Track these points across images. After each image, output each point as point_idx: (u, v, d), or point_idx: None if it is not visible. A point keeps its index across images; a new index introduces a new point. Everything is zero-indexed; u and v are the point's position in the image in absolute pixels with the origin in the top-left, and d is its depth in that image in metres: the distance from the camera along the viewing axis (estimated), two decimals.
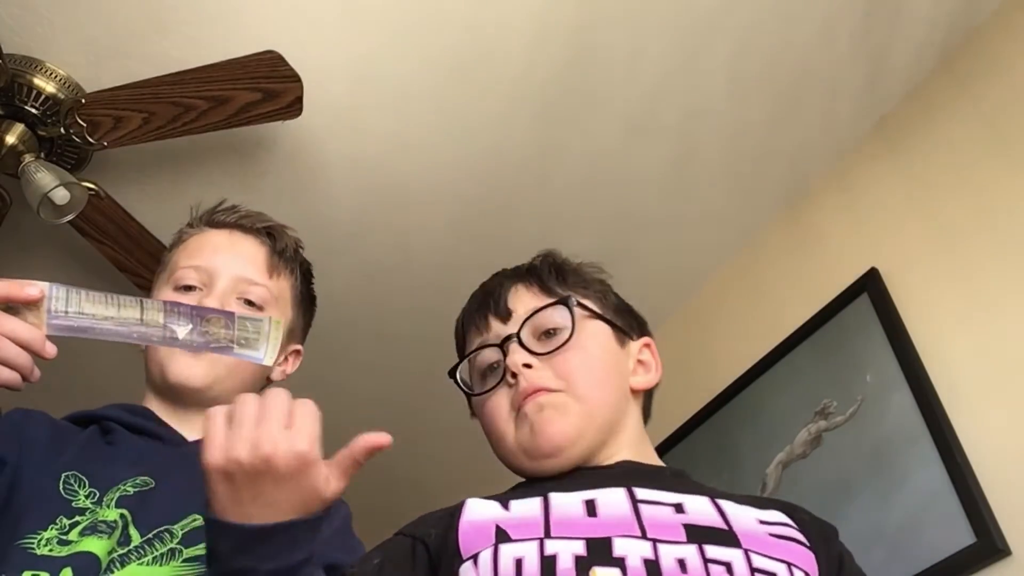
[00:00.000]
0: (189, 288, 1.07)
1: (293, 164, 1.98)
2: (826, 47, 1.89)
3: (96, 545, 0.89)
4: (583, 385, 0.94)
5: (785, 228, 2.21)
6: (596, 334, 0.99)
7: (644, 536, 0.78)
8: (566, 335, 0.95)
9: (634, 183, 2.12)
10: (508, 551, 0.78)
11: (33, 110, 1.74)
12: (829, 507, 1.74)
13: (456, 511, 0.86)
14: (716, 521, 0.82)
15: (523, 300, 1.01)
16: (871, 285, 1.87)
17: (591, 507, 0.82)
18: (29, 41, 1.70)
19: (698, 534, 0.79)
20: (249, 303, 1.07)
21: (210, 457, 0.71)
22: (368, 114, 1.89)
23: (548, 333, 0.97)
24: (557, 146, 2.01)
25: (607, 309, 1.03)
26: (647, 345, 1.04)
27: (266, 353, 0.83)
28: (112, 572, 0.88)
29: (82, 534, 0.91)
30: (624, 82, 1.89)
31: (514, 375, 0.94)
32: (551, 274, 1.04)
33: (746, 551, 0.78)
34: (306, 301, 1.20)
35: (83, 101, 1.70)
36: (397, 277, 2.28)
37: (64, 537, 0.90)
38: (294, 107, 1.74)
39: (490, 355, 0.99)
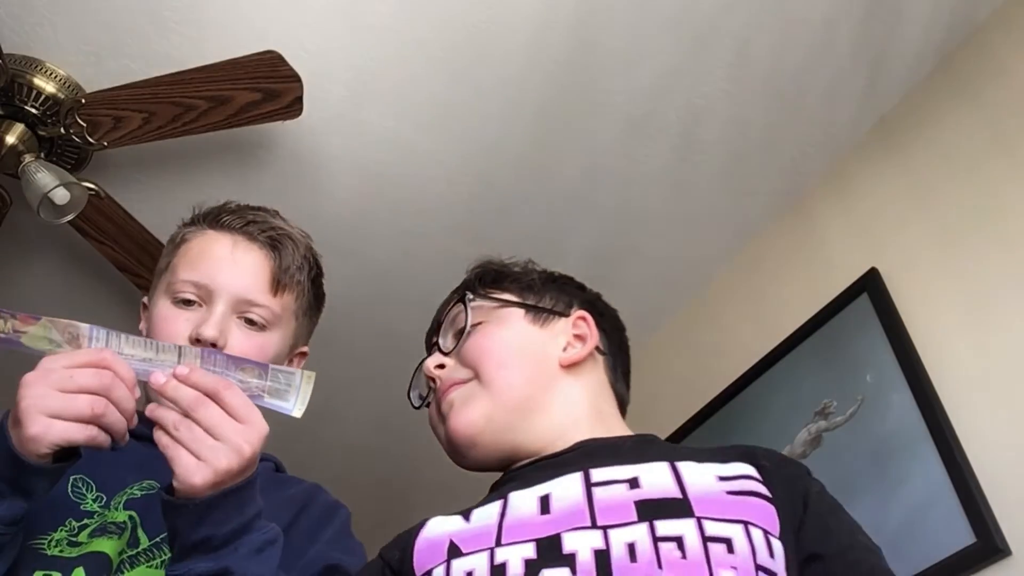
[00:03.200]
0: (188, 302, 1.03)
1: (293, 164, 1.98)
2: (826, 47, 1.89)
3: (107, 545, 0.90)
4: (486, 368, 0.97)
5: (785, 228, 2.21)
6: (504, 319, 1.01)
7: (594, 525, 0.78)
8: (464, 329, 1.00)
9: (634, 183, 2.12)
10: (459, 565, 0.79)
11: (33, 110, 1.74)
12: None
13: (415, 530, 0.88)
14: (670, 491, 0.81)
15: (445, 310, 1.07)
16: (871, 285, 1.87)
17: (545, 503, 0.83)
18: (29, 41, 1.70)
19: (650, 510, 0.79)
20: (250, 322, 1.04)
21: (200, 478, 0.74)
22: (368, 114, 1.89)
23: (459, 332, 1.01)
24: (557, 146, 2.01)
25: (527, 295, 1.04)
26: (581, 318, 1.04)
27: (295, 405, 0.84)
28: (123, 573, 0.89)
29: (92, 535, 0.91)
30: (624, 82, 1.89)
31: (432, 380, 1.01)
32: (475, 281, 1.08)
33: (699, 519, 0.77)
34: (314, 307, 1.17)
35: (83, 101, 1.70)
36: (397, 277, 2.28)
37: (74, 539, 0.91)
38: (294, 107, 1.74)
39: (422, 371, 1.05)
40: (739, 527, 0.77)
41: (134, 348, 0.80)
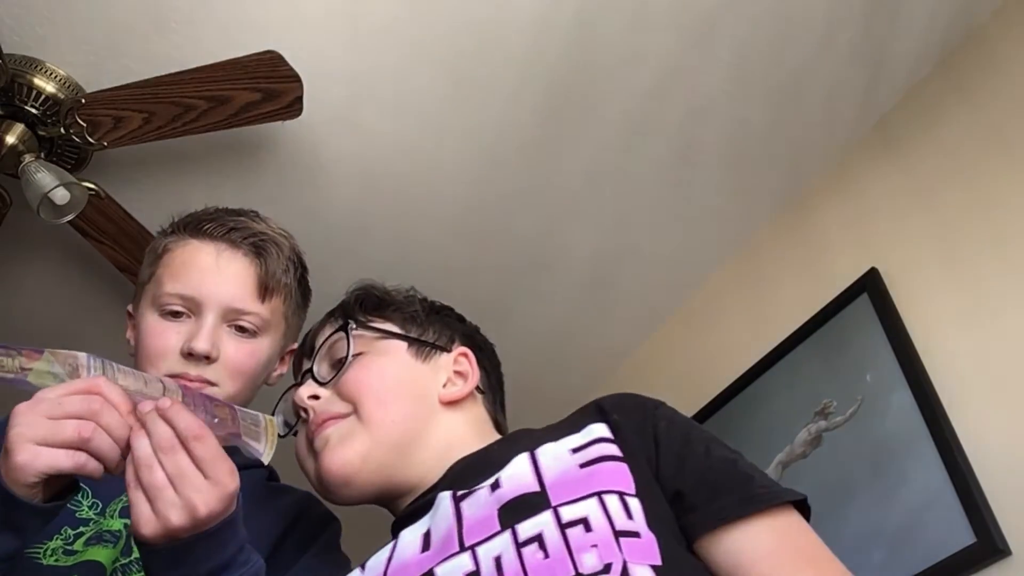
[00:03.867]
0: (176, 314, 1.02)
1: (293, 164, 1.98)
2: (826, 47, 1.89)
3: (102, 554, 0.89)
4: (366, 403, 0.94)
5: (785, 228, 2.21)
6: (385, 352, 0.99)
7: (463, 548, 0.78)
8: (344, 361, 0.97)
9: (634, 183, 2.12)
10: None
11: (33, 110, 1.74)
12: (829, 507, 1.74)
13: None
14: (528, 484, 0.81)
15: (323, 334, 1.03)
16: (871, 285, 1.87)
17: (427, 539, 0.82)
18: (29, 41, 1.70)
19: (510, 514, 0.78)
20: (241, 330, 1.04)
21: (149, 531, 0.72)
22: (368, 114, 1.89)
23: (340, 362, 0.98)
24: (557, 146, 2.01)
25: (410, 327, 1.02)
26: (463, 355, 1.03)
27: (265, 451, 0.84)
28: None
29: (87, 544, 0.91)
30: (624, 82, 1.89)
31: (304, 410, 0.96)
32: (356, 304, 1.05)
33: (555, 509, 0.77)
34: (301, 306, 1.16)
35: (83, 101, 1.70)
36: (397, 278, 2.28)
37: (69, 547, 0.90)
38: (294, 107, 1.74)
39: (293, 397, 1.01)
40: (593, 500, 0.77)
41: (126, 379, 0.78)
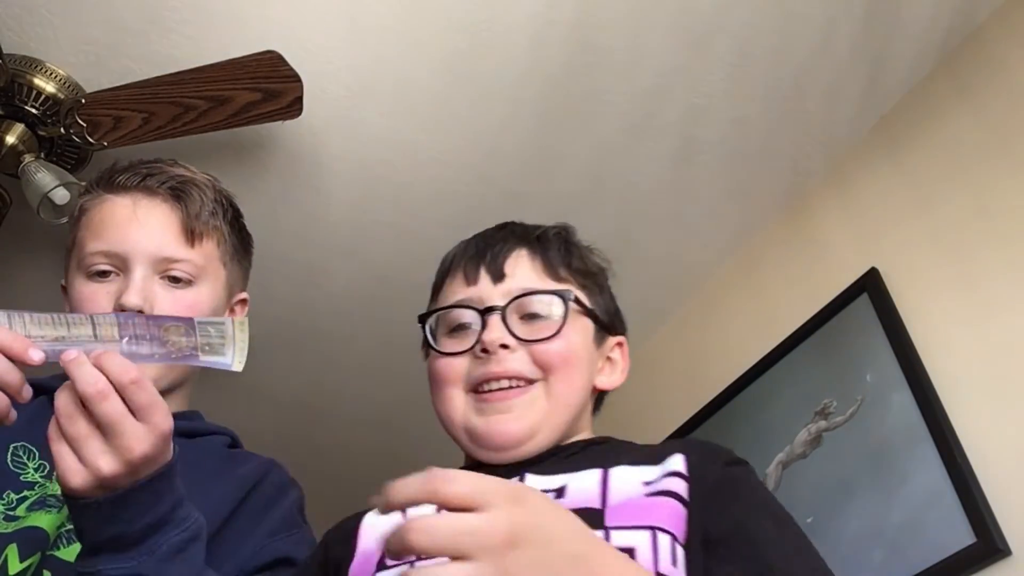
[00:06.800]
0: (103, 274, 0.98)
1: (293, 164, 1.98)
2: (826, 47, 1.89)
3: (44, 520, 0.86)
4: (560, 381, 0.90)
5: (785, 228, 2.21)
6: (582, 329, 0.95)
7: None
8: (553, 329, 0.91)
9: (634, 183, 2.12)
10: None
11: (33, 110, 1.74)
12: (829, 507, 1.74)
13: (352, 533, 0.84)
14: (591, 500, 0.79)
15: (521, 270, 0.95)
16: (871, 285, 1.87)
17: None
18: (29, 41, 1.70)
19: None
20: (175, 280, 0.99)
21: (79, 481, 0.67)
22: (368, 114, 1.89)
23: (532, 316, 0.92)
24: (557, 146, 2.01)
25: (597, 304, 0.98)
26: (619, 344, 1.00)
27: (234, 358, 0.77)
28: (59, 548, 0.85)
29: (30, 509, 0.87)
30: (624, 82, 1.89)
31: (485, 351, 0.89)
32: (559, 252, 0.99)
33: (607, 530, 0.75)
34: (241, 251, 1.11)
35: (83, 101, 1.70)
36: (397, 277, 2.28)
37: (11, 513, 0.87)
38: (294, 107, 1.74)
39: (466, 314, 0.93)
40: (646, 534, 0.75)
41: (43, 328, 0.72)
